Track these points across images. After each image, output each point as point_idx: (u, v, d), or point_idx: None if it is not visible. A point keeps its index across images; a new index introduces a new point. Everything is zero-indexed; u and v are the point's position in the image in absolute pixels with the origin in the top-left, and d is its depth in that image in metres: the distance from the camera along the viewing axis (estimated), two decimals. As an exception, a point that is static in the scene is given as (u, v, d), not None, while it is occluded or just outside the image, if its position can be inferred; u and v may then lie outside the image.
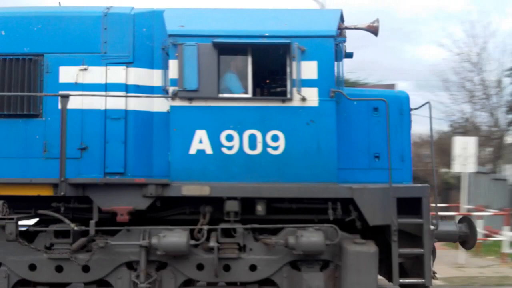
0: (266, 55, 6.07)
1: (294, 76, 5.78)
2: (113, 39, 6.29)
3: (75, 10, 6.61)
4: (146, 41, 6.35)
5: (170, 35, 5.90)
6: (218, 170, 5.79)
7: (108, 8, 6.47)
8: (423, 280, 5.73)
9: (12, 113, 6.11)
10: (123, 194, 5.79)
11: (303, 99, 5.79)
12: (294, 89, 5.78)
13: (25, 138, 6.11)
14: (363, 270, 5.63)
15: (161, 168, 6.17)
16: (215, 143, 5.81)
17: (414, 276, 5.89)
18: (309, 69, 5.81)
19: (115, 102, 6.15)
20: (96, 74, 6.26)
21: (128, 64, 6.29)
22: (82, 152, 6.13)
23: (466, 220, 6.16)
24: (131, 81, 6.28)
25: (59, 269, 5.88)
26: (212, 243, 5.65)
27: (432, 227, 5.80)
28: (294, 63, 5.78)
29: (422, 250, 5.73)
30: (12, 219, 5.54)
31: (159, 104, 6.26)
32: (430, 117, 6.25)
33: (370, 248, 5.69)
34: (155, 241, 5.63)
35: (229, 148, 5.80)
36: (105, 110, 6.17)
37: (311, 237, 5.60)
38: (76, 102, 6.14)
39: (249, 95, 5.88)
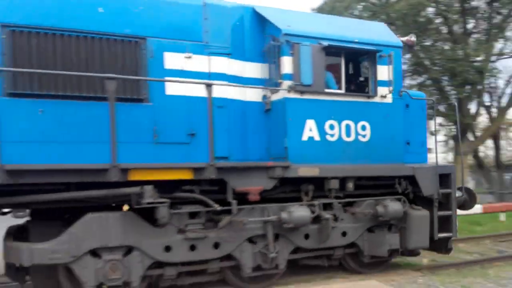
0: (354, 58, 7.32)
1: (379, 78, 7.18)
2: (214, 30, 6.76)
3: None
4: (239, 34, 6.93)
5: (286, 34, 6.64)
6: (324, 154, 6.87)
7: None
8: (451, 234, 7.86)
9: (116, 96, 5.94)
10: (252, 176, 6.37)
11: (382, 97, 7.25)
12: (380, 88, 7.18)
13: (133, 123, 6.04)
14: (422, 228, 7.45)
15: (255, 152, 6.91)
16: (321, 131, 6.88)
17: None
18: (385, 72, 7.29)
19: (219, 91, 6.56)
20: (200, 63, 6.66)
21: (228, 55, 6.78)
22: (191, 138, 6.41)
23: (465, 189, 8.43)
24: (231, 72, 6.86)
25: (192, 248, 6.12)
26: (328, 215, 6.69)
27: (458, 194, 7.94)
28: (378, 67, 7.17)
29: (451, 212, 7.82)
30: (163, 202, 5.60)
31: (252, 94, 6.96)
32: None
33: (424, 212, 7.54)
34: (285, 216, 6.42)
35: (332, 135, 6.95)
36: (211, 98, 6.49)
37: (395, 206, 7.15)
38: (184, 89, 6.37)
39: (343, 91, 7.05)
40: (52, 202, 5.59)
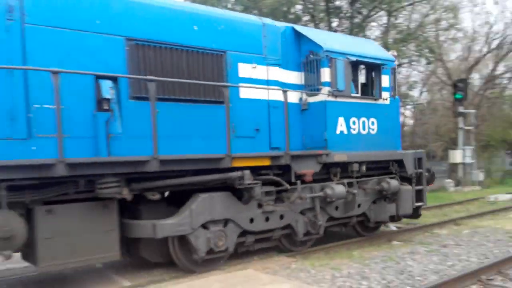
0: (366, 69, 9.47)
1: (382, 85, 9.44)
2: (269, 45, 8.57)
3: (243, 17, 8.47)
4: (284, 48, 8.77)
5: (326, 51, 8.56)
6: (348, 144, 8.91)
7: (260, 19, 8.48)
8: (423, 203, 10.42)
9: (208, 99, 7.49)
10: (307, 162, 8.23)
11: (384, 99, 9.53)
12: (383, 93, 9.45)
13: (218, 121, 7.50)
14: (408, 199, 9.90)
15: (294, 143, 8.70)
16: (348, 126, 8.95)
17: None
18: (386, 80, 9.64)
19: (274, 95, 8.39)
20: (261, 72, 8.41)
21: (279, 65, 8.63)
22: (256, 133, 8.09)
23: (427, 169, 11.04)
24: (281, 79, 8.71)
25: (267, 219, 7.82)
26: (355, 190, 8.77)
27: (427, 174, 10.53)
28: (382, 76, 9.44)
29: (422, 186, 10.38)
30: (257, 183, 7.22)
31: (292, 97, 8.72)
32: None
33: (409, 187, 9.98)
34: (330, 192, 8.35)
35: (354, 129, 9.05)
36: (268, 101, 8.38)
37: (394, 183, 9.47)
38: (252, 93, 8.08)
39: (359, 94, 9.20)
40: (175, 186, 6.89)
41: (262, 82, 8.26)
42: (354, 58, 8.83)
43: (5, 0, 5.71)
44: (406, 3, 21.07)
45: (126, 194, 6.29)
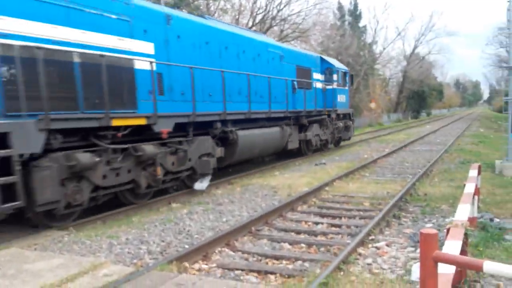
0: (343, 73, 20.88)
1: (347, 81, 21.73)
2: (316, 66, 18.85)
3: (307, 52, 20.81)
4: (318, 65, 19.29)
5: (336, 67, 20.03)
6: (341, 105, 21.06)
7: (314, 53, 21.32)
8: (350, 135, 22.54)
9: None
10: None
11: (348, 87, 22.01)
12: (347, 84, 22.00)
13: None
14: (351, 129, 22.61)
15: (323, 106, 19.38)
16: (341, 98, 20.71)
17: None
18: (347, 78, 21.65)
19: (317, 85, 18.80)
20: (317, 77, 18.70)
21: (319, 73, 19.15)
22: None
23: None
24: (318, 79, 18.92)
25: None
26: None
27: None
28: (347, 77, 21.57)
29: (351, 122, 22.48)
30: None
31: (319, 86, 18.97)
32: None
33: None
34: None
35: (342, 100, 21.13)
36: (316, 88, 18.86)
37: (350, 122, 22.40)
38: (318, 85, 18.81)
39: (341, 84, 20.82)
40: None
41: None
42: (343, 70, 20.82)
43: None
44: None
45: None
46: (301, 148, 17.71)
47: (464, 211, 5.01)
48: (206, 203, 9.70)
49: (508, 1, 13.69)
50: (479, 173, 7.98)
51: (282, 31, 30.54)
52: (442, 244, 3.84)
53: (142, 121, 8.98)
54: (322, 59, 19.29)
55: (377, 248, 6.61)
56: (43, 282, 4.93)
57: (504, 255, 5.66)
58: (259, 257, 6.41)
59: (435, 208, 8.96)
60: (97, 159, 7.99)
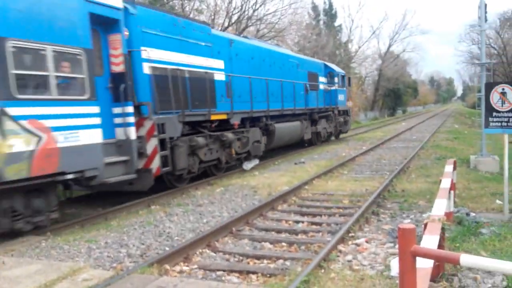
0: (341, 76, 25.03)
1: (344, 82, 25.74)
2: (321, 70, 22.85)
3: (314, 59, 24.97)
4: (322, 69, 23.11)
5: (337, 72, 24.17)
6: (341, 104, 25.42)
7: (319, 60, 25.68)
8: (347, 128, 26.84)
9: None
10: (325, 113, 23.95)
11: (344, 87, 25.88)
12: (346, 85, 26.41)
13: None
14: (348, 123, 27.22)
15: (325, 104, 23.16)
16: (341, 96, 25.50)
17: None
18: (345, 80, 26.10)
19: (323, 86, 23.06)
20: (322, 80, 22.65)
21: (323, 76, 23.09)
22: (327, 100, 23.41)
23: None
24: (323, 82, 22.75)
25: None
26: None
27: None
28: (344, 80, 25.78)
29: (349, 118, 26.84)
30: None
31: (323, 87, 22.78)
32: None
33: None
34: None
35: (341, 99, 25.25)
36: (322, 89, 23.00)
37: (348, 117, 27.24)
38: (327, 87, 23.32)
39: (341, 85, 25.18)
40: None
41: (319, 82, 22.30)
42: (342, 74, 24.82)
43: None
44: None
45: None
46: (312, 138, 21.42)
47: (440, 206, 5.11)
48: (185, 204, 9.64)
49: (479, -1, 13.98)
50: (454, 168, 8.15)
51: (258, 31, 30.57)
52: (420, 239, 3.90)
53: (224, 116, 13.07)
54: (325, 65, 23.59)
55: (357, 244, 6.68)
56: (21, 289, 4.83)
57: (480, 248, 5.78)
58: (241, 257, 6.41)
59: (412, 203, 9.10)
60: (205, 141, 11.84)
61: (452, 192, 7.07)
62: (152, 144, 9.68)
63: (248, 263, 6.22)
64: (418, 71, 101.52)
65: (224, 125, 13.19)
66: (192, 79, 11.42)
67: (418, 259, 2.85)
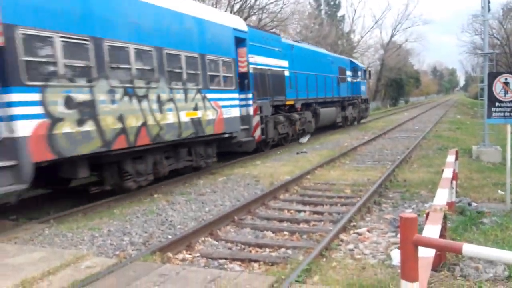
0: (361, 71, 31.56)
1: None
2: (347, 65, 27.86)
3: (343, 57, 30.03)
4: (348, 65, 28.23)
5: (361, 67, 30.72)
6: (363, 93, 31.83)
7: (345, 57, 30.89)
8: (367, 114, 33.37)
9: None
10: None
11: (363, 79, 31.12)
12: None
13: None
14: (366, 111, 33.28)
15: (351, 93, 29.14)
16: (363, 88, 32.08)
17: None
18: (362, 74, 31.57)
19: (352, 79, 29.00)
20: (348, 73, 27.67)
21: (350, 70, 28.34)
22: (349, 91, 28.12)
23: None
24: (349, 75, 27.82)
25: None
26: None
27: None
28: (362, 72, 31.65)
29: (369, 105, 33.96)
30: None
31: (350, 79, 28.26)
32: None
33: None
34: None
35: (363, 89, 31.65)
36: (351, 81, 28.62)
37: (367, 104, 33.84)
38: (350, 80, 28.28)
39: (361, 78, 30.45)
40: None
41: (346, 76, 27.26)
42: (363, 68, 30.87)
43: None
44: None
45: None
46: (342, 122, 26.44)
47: (442, 196, 5.11)
48: (188, 193, 9.67)
49: (484, -11, 13.86)
50: (456, 158, 8.14)
51: (260, 20, 30.39)
52: (422, 229, 3.91)
53: (292, 102, 18.21)
54: (350, 61, 29.02)
55: (359, 234, 6.70)
56: (25, 275, 4.87)
57: (482, 238, 5.79)
58: (243, 246, 6.44)
59: (414, 193, 9.11)
60: (283, 119, 17.16)
61: (454, 182, 7.06)
62: (256, 120, 14.40)
63: (250, 251, 6.26)
64: (420, 61, 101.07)
65: (290, 109, 18.34)
66: (273, 76, 16.51)
67: (420, 248, 2.86)
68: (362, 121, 31.12)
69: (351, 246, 6.15)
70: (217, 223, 7.15)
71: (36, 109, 6.99)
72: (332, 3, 57.05)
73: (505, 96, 7.45)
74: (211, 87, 11.67)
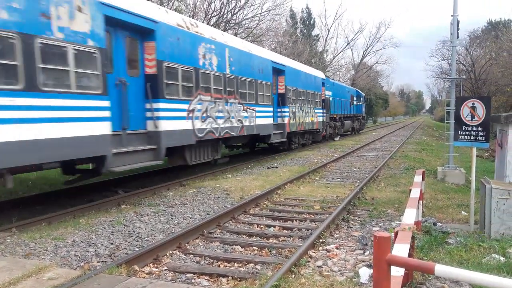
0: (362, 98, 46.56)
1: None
2: (354, 93, 42.14)
3: (353, 88, 45.80)
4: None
5: (361, 94, 45.88)
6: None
7: (353, 88, 46.44)
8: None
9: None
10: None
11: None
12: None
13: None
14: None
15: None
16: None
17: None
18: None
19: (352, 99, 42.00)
20: (354, 98, 41.85)
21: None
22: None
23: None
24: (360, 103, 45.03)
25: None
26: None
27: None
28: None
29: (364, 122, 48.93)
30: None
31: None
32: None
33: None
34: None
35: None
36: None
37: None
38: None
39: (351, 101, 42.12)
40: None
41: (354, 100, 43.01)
42: (363, 95, 47.18)
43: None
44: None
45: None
46: (351, 130, 40.16)
47: (411, 215, 5.20)
48: (157, 205, 9.52)
49: (452, 16, 14.40)
50: (423, 178, 8.32)
51: (236, 35, 30.55)
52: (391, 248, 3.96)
53: (335, 115, 32.14)
54: (356, 90, 43.39)
55: (327, 250, 6.73)
56: (-17, 286, 4.66)
57: (448, 258, 5.91)
58: (211, 260, 6.37)
59: (381, 211, 9.25)
60: (333, 124, 31.91)
61: (420, 202, 7.21)
62: (321, 123, 26.52)
63: (219, 266, 6.18)
64: (389, 83, 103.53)
65: (331, 119, 31.07)
66: (328, 100, 29.21)
67: (392, 267, 2.89)
68: (361, 131, 45.54)
69: (319, 263, 6.17)
70: (186, 236, 7.05)
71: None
72: (307, 22, 58.02)
73: (471, 120, 7.69)
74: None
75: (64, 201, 9.43)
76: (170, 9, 24.25)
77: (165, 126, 10.53)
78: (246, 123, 15.59)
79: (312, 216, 8.94)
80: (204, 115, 12.61)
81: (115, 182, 12.37)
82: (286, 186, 11.97)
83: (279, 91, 19.73)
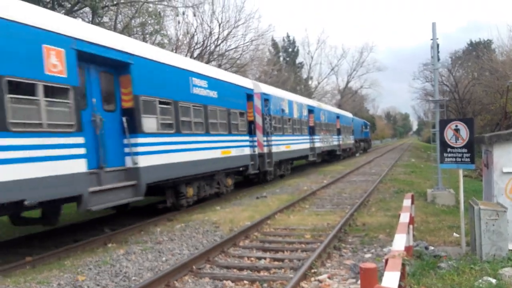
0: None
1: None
2: (362, 122, 56.80)
3: (359, 119, 59.00)
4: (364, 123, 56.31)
5: (367, 123, 60.62)
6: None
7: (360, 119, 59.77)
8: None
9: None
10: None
11: None
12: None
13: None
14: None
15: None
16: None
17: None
18: None
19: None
20: (362, 126, 56.21)
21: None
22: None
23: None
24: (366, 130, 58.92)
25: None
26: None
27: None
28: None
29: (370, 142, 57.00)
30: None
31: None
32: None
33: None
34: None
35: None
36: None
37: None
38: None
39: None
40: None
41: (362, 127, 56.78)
42: (368, 124, 61.38)
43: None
44: (110, 3, 20.91)
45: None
46: (361, 150, 52.69)
47: (400, 241, 5.12)
48: (144, 242, 9.32)
49: (432, 39, 14.69)
50: (412, 202, 8.28)
51: (220, 65, 30.87)
52: (382, 275, 3.88)
53: (357, 138, 49.11)
54: (364, 121, 56.67)
55: (320, 281, 6.61)
56: None
57: (440, 283, 5.82)
58: (201, 297, 6.20)
59: (373, 238, 9.16)
60: (357, 144, 49.49)
61: (411, 226, 7.15)
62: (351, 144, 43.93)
63: (209, 303, 6.02)
64: (375, 107, 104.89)
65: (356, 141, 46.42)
66: (350, 129, 44.77)
67: (380, 298, 2.81)
68: (366, 149, 57.18)
69: (312, 295, 6.03)
70: (174, 273, 6.88)
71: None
72: (290, 50, 58.94)
73: (456, 142, 7.73)
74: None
75: (48, 242, 9.19)
76: (153, 44, 24.46)
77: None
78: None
79: (303, 245, 8.82)
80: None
81: (100, 220, 12.16)
82: (276, 216, 11.85)
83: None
